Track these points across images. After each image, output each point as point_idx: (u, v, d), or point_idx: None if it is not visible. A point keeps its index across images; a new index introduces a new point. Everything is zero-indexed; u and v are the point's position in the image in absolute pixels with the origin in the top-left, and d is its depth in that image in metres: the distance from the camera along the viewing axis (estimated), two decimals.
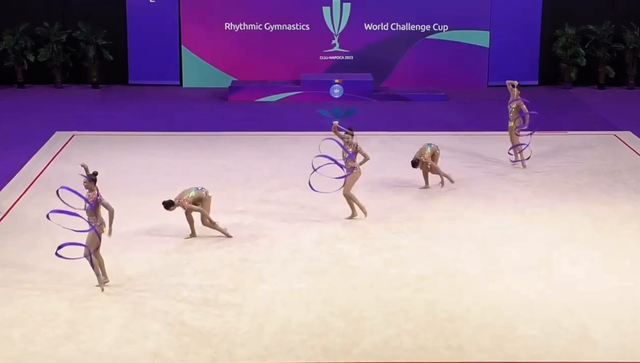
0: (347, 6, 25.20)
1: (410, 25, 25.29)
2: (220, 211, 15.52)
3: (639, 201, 16.20)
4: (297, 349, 11.05)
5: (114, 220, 12.49)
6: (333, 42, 25.39)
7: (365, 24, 25.31)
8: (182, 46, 25.32)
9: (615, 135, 20.77)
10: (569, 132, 20.86)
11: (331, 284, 12.85)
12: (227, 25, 25.24)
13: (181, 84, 25.51)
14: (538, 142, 19.32)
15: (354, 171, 15.01)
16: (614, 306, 12.17)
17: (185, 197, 14.23)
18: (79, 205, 12.72)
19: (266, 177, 17.63)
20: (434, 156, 16.52)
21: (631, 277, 13.07)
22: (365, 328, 11.55)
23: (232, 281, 12.93)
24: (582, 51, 25.03)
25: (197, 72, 25.35)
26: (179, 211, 14.35)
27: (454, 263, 13.50)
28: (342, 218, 15.35)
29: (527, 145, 17.93)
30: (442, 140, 20.02)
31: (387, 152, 19.32)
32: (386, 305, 12.19)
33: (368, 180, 17.31)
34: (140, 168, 18.23)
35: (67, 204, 12.68)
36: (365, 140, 20.17)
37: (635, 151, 19.44)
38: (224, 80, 24.94)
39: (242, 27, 25.27)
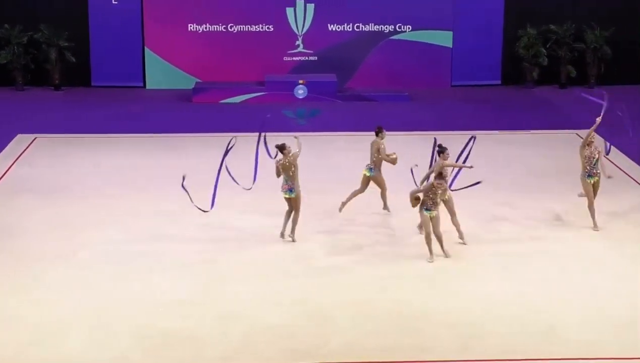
0: (310, 7, 25.19)
1: (374, 25, 25.33)
2: (188, 212, 15.53)
3: (602, 199, 16.29)
4: (265, 351, 11.04)
5: None
6: (297, 42, 25.36)
7: (329, 25, 25.31)
8: (145, 47, 25.17)
9: (577, 133, 20.93)
10: (532, 131, 21.00)
11: (298, 285, 12.85)
12: (191, 26, 25.14)
13: (144, 86, 25.36)
14: (502, 141, 19.46)
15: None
16: (579, 303, 12.29)
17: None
18: None
19: (235, 177, 17.51)
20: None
21: (595, 274, 13.21)
22: (333, 329, 11.57)
23: (199, 283, 12.89)
24: (544, 51, 25.22)
25: (161, 74, 25.21)
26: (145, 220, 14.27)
27: (420, 263, 13.53)
28: (308, 218, 15.35)
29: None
30: (407, 140, 20.14)
31: (352, 152, 19.32)
32: (353, 305, 12.22)
33: (333, 179, 17.36)
34: (104, 170, 18.10)
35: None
36: (330, 140, 20.30)
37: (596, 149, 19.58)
38: (187, 82, 24.83)
39: (206, 28, 25.18)
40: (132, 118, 22.38)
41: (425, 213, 13.40)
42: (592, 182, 14.64)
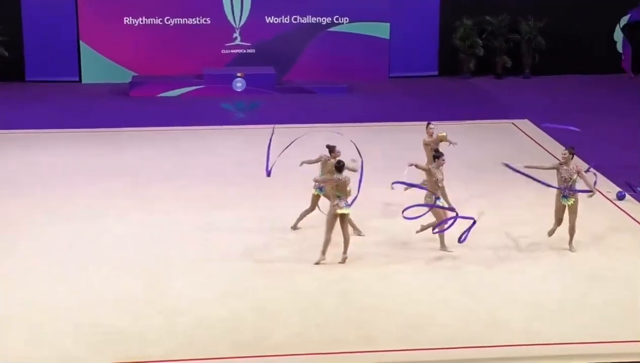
0: None
1: (312, 17, 25.35)
2: (130, 208, 15.47)
3: (538, 189, 16.49)
4: (209, 345, 11.00)
5: None
6: (234, 35, 25.27)
7: (266, 17, 25.25)
8: (81, 41, 24.85)
9: (513, 123, 21.22)
10: (469, 121, 21.20)
11: (242, 279, 12.82)
12: (127, 19, 24.89)
13: (80, 80, 25.03)
14: (440, 132, 19.58)
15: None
16: (519, 291, 12.48)
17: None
18: None
19: (174, 173, 17.45)
20: None
21: (535, 262, 13.40)
22: (277, 322, 11.57)
23: (143, 279, 12.78)
24: (480, 42, 25.52)
25: (97, 68, 24.91)
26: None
27: (365, 254, 13.57)
28: (253, 212, 15.31)
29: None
30: (345, 131, 20.16)
31: (295, 145, 19.25)
32: (298, 298, 12.24)
33: (274, 173, 17.34)
34: (41, 167, 17.84)
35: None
36: (269, 133, 20.21)
37: (532, 139, 19.89)
38: (124, 76, 24.58)
39: (142, 21, 24.95)
40: (69, 113, 22.08)
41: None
42: (567, 204, 13.55)
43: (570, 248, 13.65)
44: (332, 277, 12.88)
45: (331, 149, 14.09)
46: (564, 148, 14.34)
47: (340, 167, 13.25)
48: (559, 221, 13.75)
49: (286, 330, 11.37)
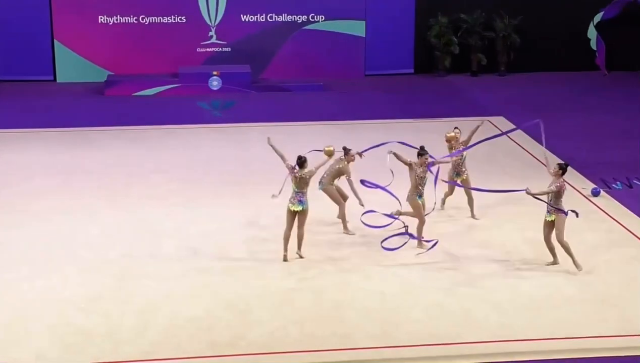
0: None
1: (287, 15, 25.32)
2: (105, 207, 15.42)
3: (514, 185, 16.53)
4: (184, 344, 10.97)
5: None
6: (210, 34, 25.19)
7: (242, 15, 25.19)
8: (55, 40, 24.71)
9: (488, 120, 21.25)
10: (444, 119, 21.23)
11: (217, 277, 12.79)
12: (101, 18, 24.76)
13: (55, 79, 24.89)
14: (415, 129, 19.64)
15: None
16: (494, 287, 12.53)
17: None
18: None
19: (149, 172, 17.40)
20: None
21: (509, 259, 13.45)
22: (252, 321, 11.55)
23: (116, 278, 12.73)
24: (455, 39, 25.57)
25: (72, 67, 24.77)
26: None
27: (339, 251, 13.58)
28: (227, 209, 15.29)
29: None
30: (321, 129, 20.21)
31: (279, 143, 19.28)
32: (272, 296, 12.23)
33: (249, 171, 17.34)
34: (15, 167, 17.72)
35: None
36: (245, 131, 20.26)
37: (508, 136, 19.84)
38: (99, 75, 24.46)
39: (117, 20, 24.82)
40: (43, 112, 21.95)
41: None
42: (548, 219, 12.91)
43: (577, 268, 12.86)
44: (307, 275, 12.87)
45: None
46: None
47: (301, 162, 13.19)
48: (551, 250, 13.06)
49: (262, 329, 11.35)
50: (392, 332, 11.30)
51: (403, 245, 13.36)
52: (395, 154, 13.56)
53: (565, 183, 12.96)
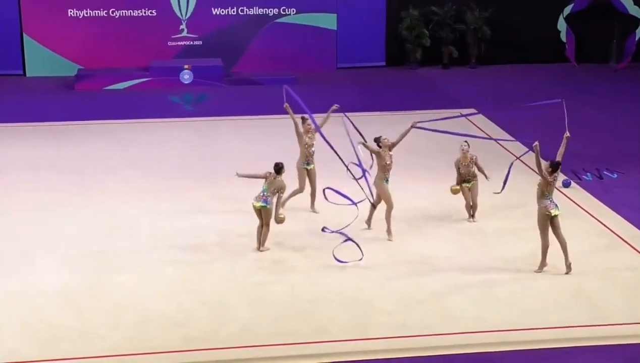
0: None
1: (258, 9, 25.27)
2: (77, 203, 15.32)
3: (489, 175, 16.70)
4: (158, 339, 10.93)
5: None
6: (181, 27, 25.10)
7: (213, 9, 25.12)
8: (24, 34, 24.50)
9: (460, 112, 21.27)
10: (416, 111, 21.23)
11: (191, 272, 12.75)
12: (71, 11, 24.59)
13: (25, 74, 24.70)
14: (388, 123, 19.60)
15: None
16: (467, 278, 12.58)
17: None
18: None
19: (121, 166, 17.30)
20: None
21: (482, 250, 13.53)
22: (227, 315, 11.53)
23: (89, 273, 12.65)
24: (426, 32, 25.63)
25: (41, 61, 24.59)
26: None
27: (312, 245, 13.57)
28: (201, 204, 15.22)
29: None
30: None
31: (243, 136, 19.28)
32: (247, 290, 12.21)
33: (220, 165, 17.30)
34: None
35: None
36: (217, 125, 20.20)
37: (480, 128, 20.00)
38: (70, 69, 24.31)
39: (87, 13, 24.67)
40: (13, 107, 21.74)
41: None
42: (553, 214, 12.61)
43: (568, 269, 12.69)
44: (281, 269, 12.86)
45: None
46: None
47: (278, 169, 13.38)
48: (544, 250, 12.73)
49: (236, 323, 11.33)
50: (366, 325, 11.31)
51: (346, 240, 13.11)
52: (364, 144, 13.76)
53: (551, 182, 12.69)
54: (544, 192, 12.60)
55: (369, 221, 14.19)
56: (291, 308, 11.75)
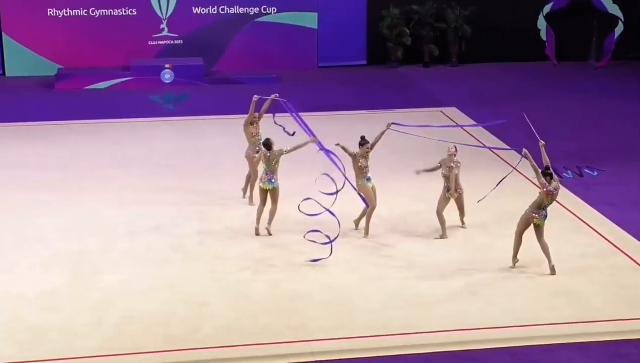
0: None
1: (239, 7, 25.15)
2: (57, 201, 15.26)
3: (466, 175, 16.42)
4: (139, 339, 10.90)
5: None
6: (162, 26, 24.97)
7: (193, 8, 24.99)
8: (3, 33, 24.33)
9: (441, 111, 21.35)
10: (397, 110, 21.25)
11: (171, 271, 12.72)
12: (51, 10, 24.41)
13: (4, 73, 24.51)
14: (368, 121, 19.60)
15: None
16: (448, 276, 12.56)
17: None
18: None
19: (101, 166, 17.22)
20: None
21: (462, 247, 13.51)
22: (207, 314, 11.51)
23: (69, 273, 12.61)
24: (407, 30, 25.60)
25: (21, 60, 24.40)
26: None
27: (292, 242, 13.52)
28: (181, 203, 15.18)
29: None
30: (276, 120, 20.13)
31: (224, 135, 19.23)
32: (228, 288, 12.19)
33: (202, 164, 17.27)
34: None
35: None
36: (198, 124, 20.15)
37: (463, 128, 19.99)
38: (49, 68, 24.13)
39: (67, 12, 24.49)
40: None
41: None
42: (535, 223, 12.54)
43: (552, 271, 12.62)
44: (262, 267, 12.84)
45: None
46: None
47: (266, 143, 13.85)
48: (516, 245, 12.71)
49: (217, 321, 11.31)
50: (347, 323, 11.31)
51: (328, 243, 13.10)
52: (342, 147, 13.76)
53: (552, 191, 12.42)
54: (543, 201, 12.46)
55: (357, 221, 14.17)
56: (271, 306, 11.73)
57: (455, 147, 14.18)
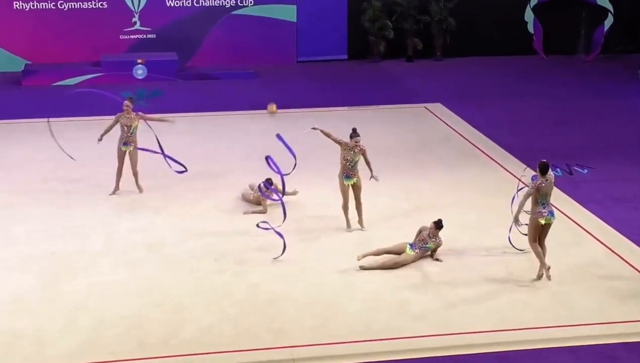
0: None
1: (214, 0, 24.66)
2: (26, 202, 14.94)
3: (451, 173, 16.33)
4: (113, 345, 10.67)
5: None
6: (134, 20, 24.48)
7: (167, 1, 24.55)
8: None
9: (425, 107, 20.96)
10: (380, 106, 20.76)
11: (148, 274, 12.40)
12: (17, 4, 23.85)
13: None
14: (349, 118, 19.07)
15: None
16: (432, 279, 12.27)
17: None
18: None
19: (71, 165, 16.52)
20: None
21: (448, 249, 13.05)
22: (185, 318, 11.26)
23: (41, 277, 12.28)
24: (390, 24, 25.11)
25: None
26: None
27: (271, 245, 13.02)
28: (156, 203, 14.84)
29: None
30: (253, 119, 19.59)
31: (196, 135, 18.65)
32: (206, 291, 11.96)
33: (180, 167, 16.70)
34: None
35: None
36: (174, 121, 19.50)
37: (445, 122, 19.69)
38: (16, 64, 23.59)
39: (34, 5, 23.95)
40: None
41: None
42: (543, 223, 12.06)
43: (548, 277, 12.19)
44: (241, 269, 12.56)
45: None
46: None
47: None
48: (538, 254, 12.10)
49: (194, 326, 11.04)
50: (329, 326, 11.05)
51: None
52: (323, 132, 13.52)
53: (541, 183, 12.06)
54: (536, 197, 12.00)
55: (360, 222, 13.92)
56: (251, 309, 11.46)
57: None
